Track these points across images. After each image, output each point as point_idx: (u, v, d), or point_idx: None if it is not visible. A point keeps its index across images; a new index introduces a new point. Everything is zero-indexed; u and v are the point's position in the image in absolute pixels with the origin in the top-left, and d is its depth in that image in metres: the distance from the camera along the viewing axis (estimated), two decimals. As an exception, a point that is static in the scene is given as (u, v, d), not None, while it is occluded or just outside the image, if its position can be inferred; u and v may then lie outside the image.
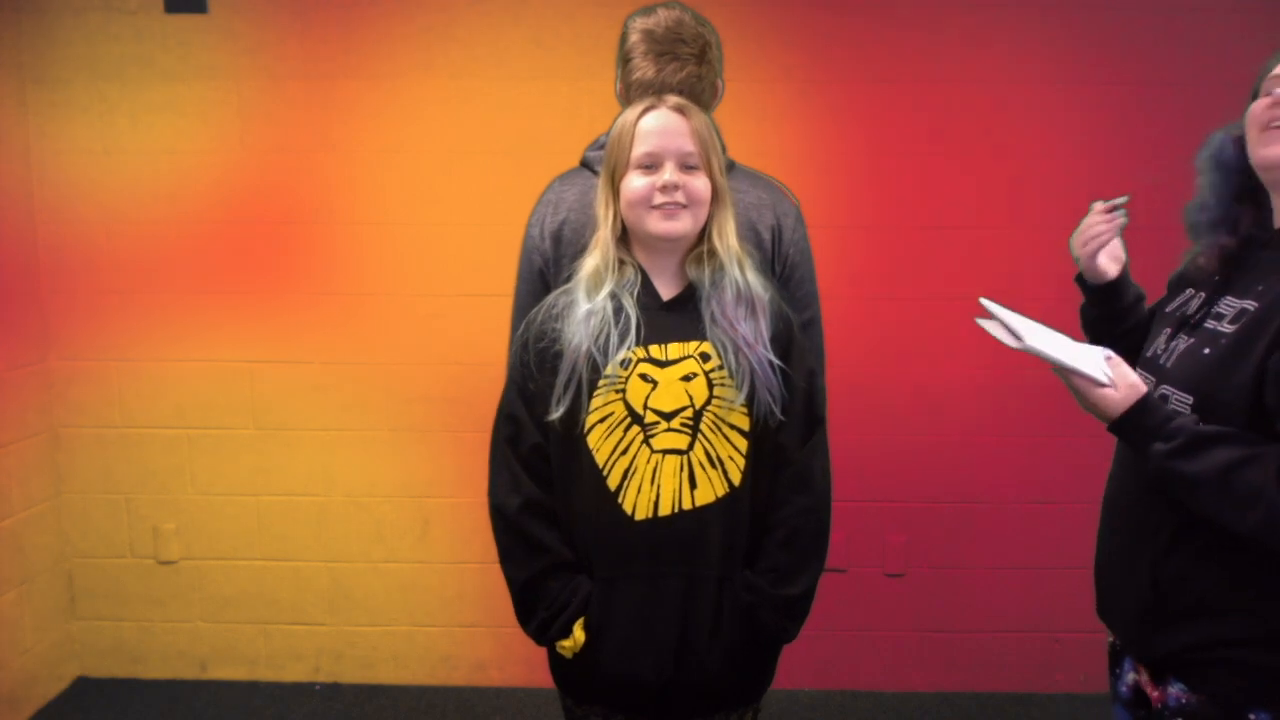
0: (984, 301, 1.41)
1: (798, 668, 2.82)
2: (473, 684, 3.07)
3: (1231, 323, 1.29)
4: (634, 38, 1.68)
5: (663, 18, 1.67)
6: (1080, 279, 1.62)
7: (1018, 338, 1.33)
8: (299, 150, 2.88)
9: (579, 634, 1.48)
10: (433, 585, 3.04)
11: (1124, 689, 1.52)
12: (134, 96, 2.86)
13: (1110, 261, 1.57)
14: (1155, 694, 1.41)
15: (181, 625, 3.08)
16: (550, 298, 1.55)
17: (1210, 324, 1.33)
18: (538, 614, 1.51)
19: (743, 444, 1.48)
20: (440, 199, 2.89)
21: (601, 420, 1.46)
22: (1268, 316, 1.24)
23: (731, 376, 1.46)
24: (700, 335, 1.48)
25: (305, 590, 3.05)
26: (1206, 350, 1.30)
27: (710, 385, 1.46)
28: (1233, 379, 1.25)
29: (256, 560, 3.04)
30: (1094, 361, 1.32)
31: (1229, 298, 1.33)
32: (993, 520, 2.94)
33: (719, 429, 1.46)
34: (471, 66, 2.84)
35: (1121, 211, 1.53)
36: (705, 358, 1.47)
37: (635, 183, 1.46)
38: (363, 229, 2.91)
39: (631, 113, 1.50)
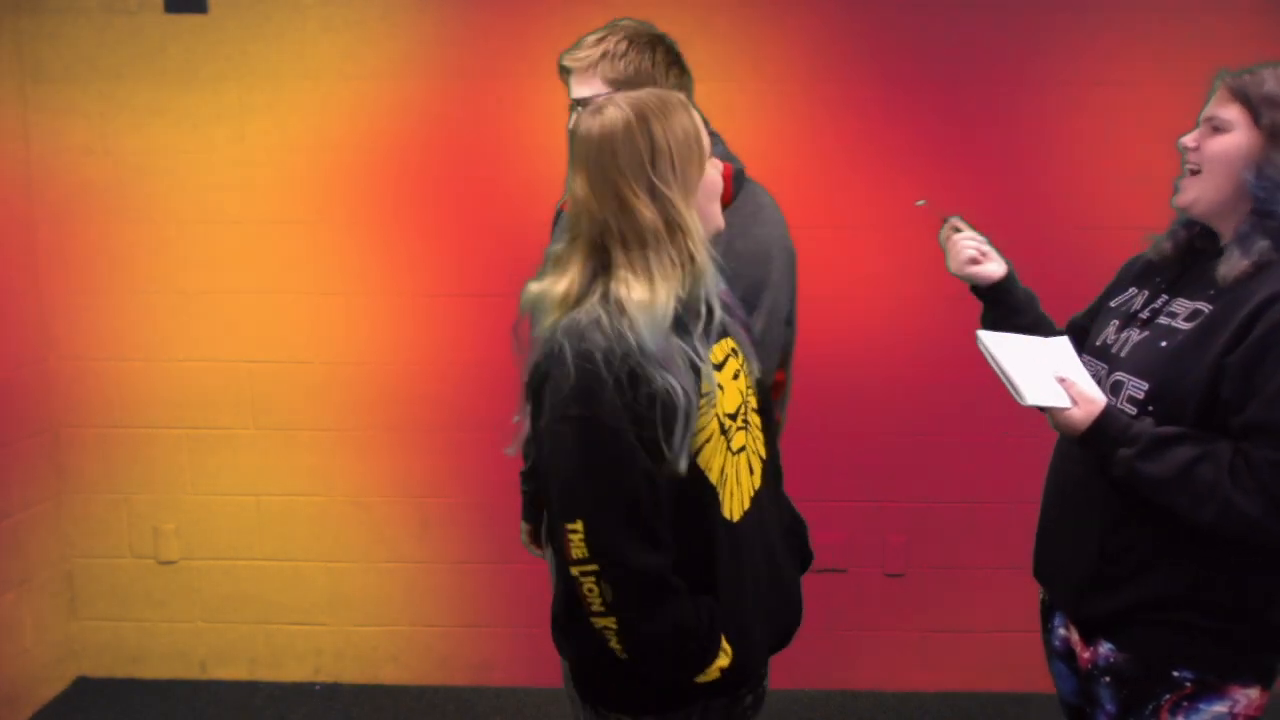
0: (980, 340, 1.53)
1: (798, 668, 2.82)
2: (473, 684, 3.07)
3: (1187, 320, 1.42)
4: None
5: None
6: (974, 290, 1.73)
7: (1019, 395, 1.45)
8: (298, 150, 2.87)
9: (727, 647, 1.37)
10: (433, 585, 3.04)
11: (1058, 643, 1.64)
12: (134, 96, 2.86)
13: (993, 264, 1.70)
14: (1085, 655, 1.53)
15: (181, 625, 3.08)
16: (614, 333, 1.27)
17: (1165, 320, 1.46)
18: (689, 649, 1.34)
19: (758, 420, 1.51)
20: (441, 199, 2.89)
21: (708, 440, 1.35)
22: (1222, 319, 1.36)
23: (748, 360, 1.47)
24: (723, 331, 1.41)
25: (305, 590, 3.05)
26: (1164, 343, 1.43)
27: (748, 377, 1.47)
28: (1189, 372, 1.37)
29: (256, 560, 3.04)
30: (1057, 392, 1.46)
31: (1181, 299, 1.46)
32: (993, 520, 2.94)
33: (751, 414, 1.47)
34: (474, 66, 2.84)
35: (971, 228, 1.70)
36: (735, 353, 1.45)
37: (712, 174, 1.39)
38: (363, 229, 2.90)
39: (685, 115, 1.34)
